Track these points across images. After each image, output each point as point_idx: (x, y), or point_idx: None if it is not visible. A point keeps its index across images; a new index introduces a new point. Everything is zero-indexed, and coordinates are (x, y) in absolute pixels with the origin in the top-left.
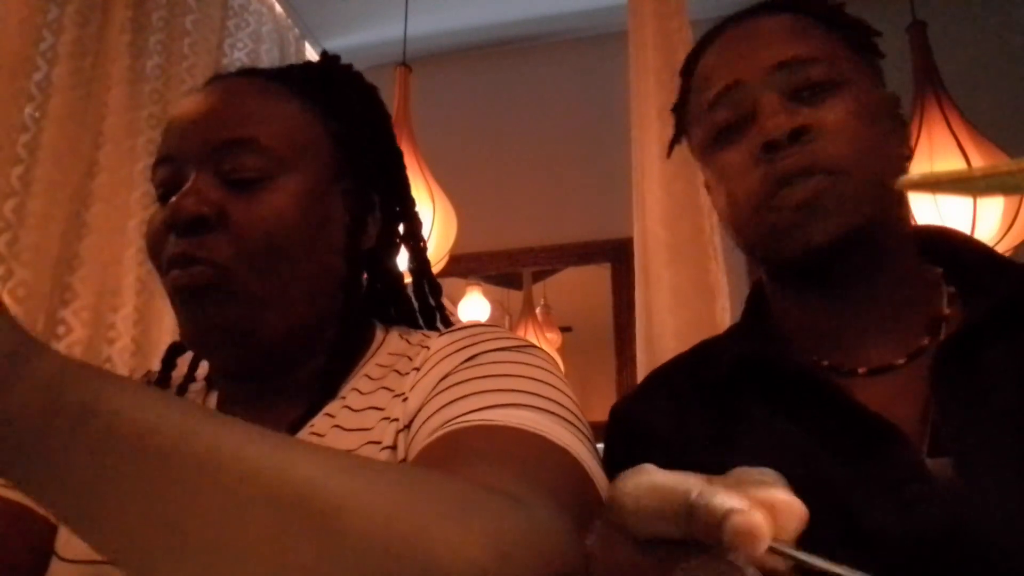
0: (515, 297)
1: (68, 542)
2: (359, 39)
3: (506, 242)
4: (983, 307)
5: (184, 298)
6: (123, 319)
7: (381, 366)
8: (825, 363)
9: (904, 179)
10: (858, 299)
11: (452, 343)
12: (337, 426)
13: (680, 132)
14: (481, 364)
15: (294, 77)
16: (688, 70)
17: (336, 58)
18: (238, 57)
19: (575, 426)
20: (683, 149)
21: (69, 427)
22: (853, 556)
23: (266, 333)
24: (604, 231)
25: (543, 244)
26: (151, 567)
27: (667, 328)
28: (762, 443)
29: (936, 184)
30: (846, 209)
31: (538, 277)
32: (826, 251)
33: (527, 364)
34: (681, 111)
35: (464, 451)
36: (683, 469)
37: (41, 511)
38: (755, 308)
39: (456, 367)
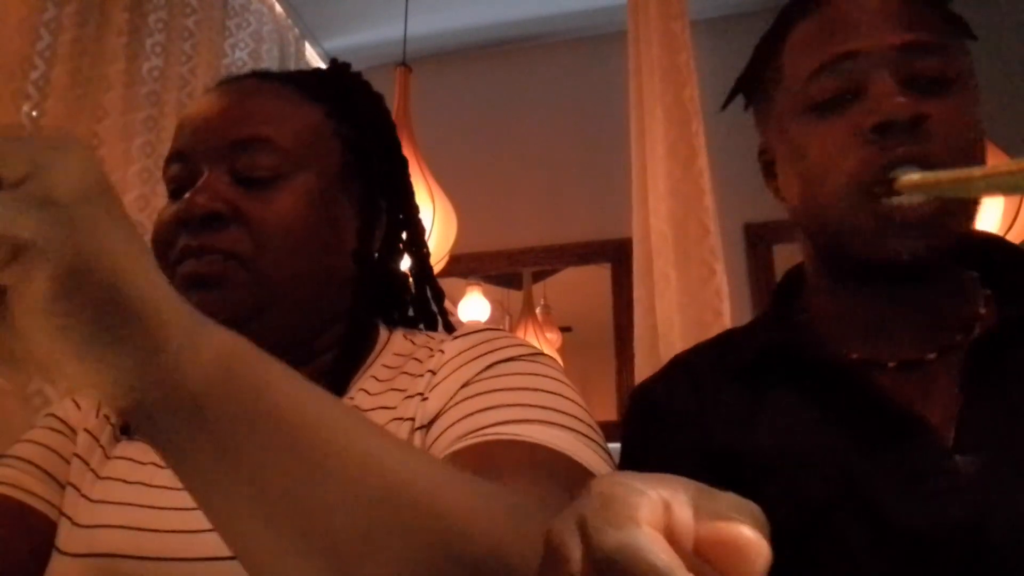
0: (515, 297)
1: (69, 536)
2: (359, 39)
3: (506, 242)
4: (1017, 308)
5: (197, 285)
6: None
7: (388, 367)
8: (854, 355)
9: (904, 179)
10: (903, 298)
11: (469, 348)
12: None
13: (750, 96)
14: (502, 375)
15: (306, 81)
16: (779, 33)
17: (346, 65)
18: (239, 57)
19: (595, 441)
20: (687, 146)
21: (240, 407)
22: (874, 546)
23: (276, 319)
24: (604, 231)
25: (543, 244)
26: (280, 555)
27: (674, 327)
28: (786, 429)
29: (936, 184)
30: (954, 223)
31: (538, 277)
32: (924, 264)
33: (544, 376)
34: (759, 73)
35: (500, 464)
36: (704, 450)
37: (40, 508)
38: (785, 296)
39: (476, 375)
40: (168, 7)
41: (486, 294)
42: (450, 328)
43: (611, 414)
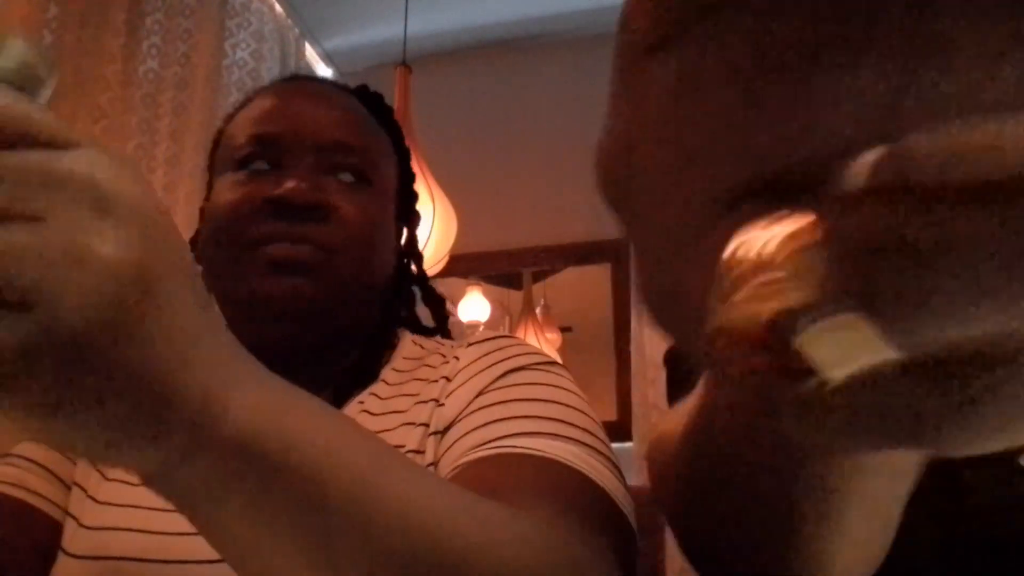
0: (515, 297)
1: (75, 538)
2: (359, 39)
3: (506, 242)
4: None
5: (288, 269)
6: None
7: (398, 371)
8: None
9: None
10: None
11: (484, 356)
12: None
13: None
14: (516, 384)
15: (369, 101)
16: None
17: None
18: (240, 57)
19: (604, 455)
20: None
21: (249, 494)
22: (954, 526)
23: (336, 316)
24: (604, 231)
25: (543, 244)
26: None
27: None
28: None
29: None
30: None
31: (538, 277)
32: None
33: (557, 387)
34: None
35: (511, 478)
36: None
37: (44, 509)
38: None
39: (491, 383)
40: (165, 8)
41: (486, 294)
42: (446, 333)
43: (611, 414)
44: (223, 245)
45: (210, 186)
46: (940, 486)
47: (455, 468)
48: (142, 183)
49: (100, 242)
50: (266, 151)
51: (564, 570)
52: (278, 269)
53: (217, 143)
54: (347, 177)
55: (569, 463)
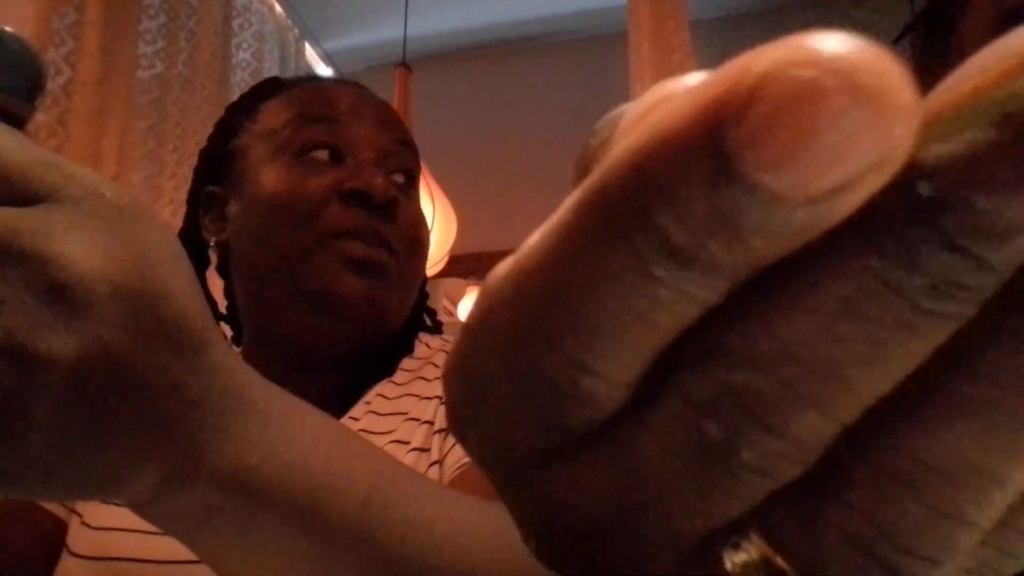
0: None
1: (79, 538)
2: (359, 39)
3: (506, 242)
4: None
5: (367, 271)
6: None
7: (406, 371)
8: None
9: None
10: None
11: None
12: (363, 429)
13: (936, 19)
14: None
15: None
16: None
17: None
18: (243, 57)
19: None
20: None
21: (239, 524)
22: None
23: (398, 318)
24: None
25: None
26: None
27: None
28: None
29: None
30: None
31: None
32: None
33: None
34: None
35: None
36: None
37: (49, 508)
38: None
39: None
40: (170, 7)
41: None
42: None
43: None
44: (287, 233)
45: (209, 180)
46: None
47: (459, 467)
48: (124, 244)
49: (42, 340)
50: (328, 140)
51: None
52: (355, 268)
53: (235, 131)
54: (400, 178)
55: None
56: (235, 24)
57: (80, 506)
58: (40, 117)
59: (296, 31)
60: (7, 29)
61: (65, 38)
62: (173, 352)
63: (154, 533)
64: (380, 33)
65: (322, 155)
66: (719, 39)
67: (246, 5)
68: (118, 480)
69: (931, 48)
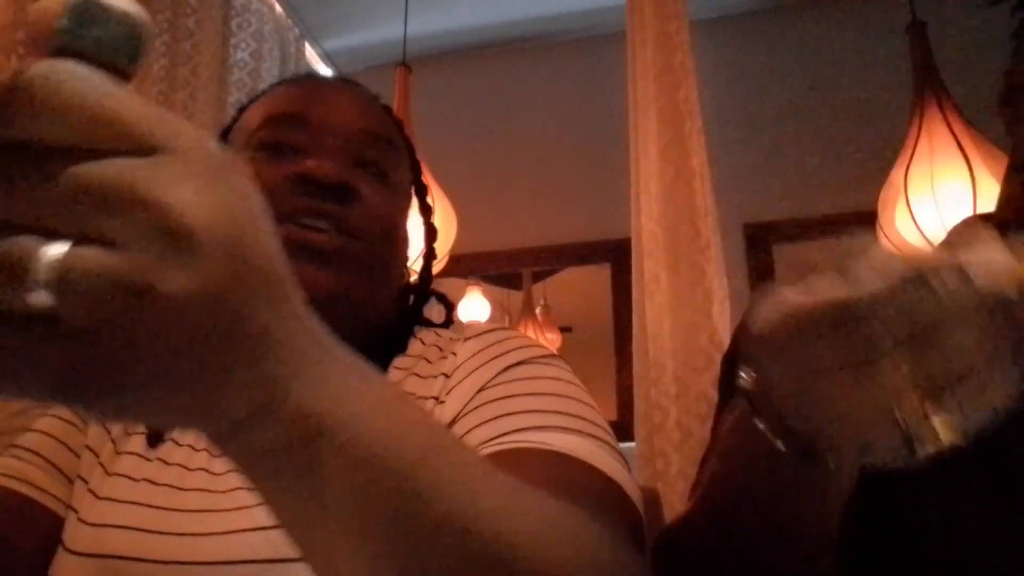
0: (515, 297)
1: (75, 535)
2: (359, 39)
3: (506, 242)
4: None
5: (312, 256)
6: None
7: (400, 369)
8: None
9: None
10: None
11: (482, 350)
12: None
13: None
14: (517, 379)
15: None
16: None
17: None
18: (241, 57)
19: (609, 444)
20: (680, 148)
21: (302, 469)
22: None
23: (351, 307)
24: (604, 231)
25: (543, 244)
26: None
27: (663, 328)
28: None
29: None
30: None
31: (538, 277)
32: None
33: (557, 379)
34: None
35: (522, 473)
36: None
37: (46, 503)
38: None
39: (492, 379)
40: (172, 7)
41: (486, 294)
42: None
43: (611, 414)
44: None
45: None
46: (988, 460)
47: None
48: (227, 194)
49: (164, 280)
50: (289, 133)
51: (610, 567)
52: (305, 257)
53: (225, 135)
54: (377, 169)
55: (579, 456)
56: (234, 24)
57: (77, 502)
58: None
59: (296, 31)
60: None
61: None
62: (263, 297)
63: (153, 532)
64: (380, 33)
65: (285, 150)
66: (719, 39)
67: (245, 5)
68: (206, 412)
69: None
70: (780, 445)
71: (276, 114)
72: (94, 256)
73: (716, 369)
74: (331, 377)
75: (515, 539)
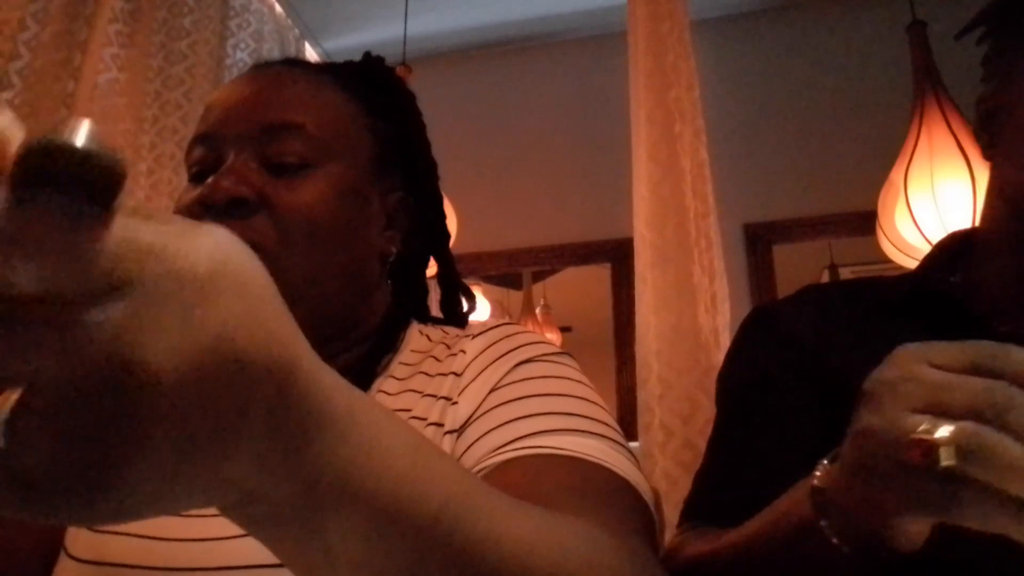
0: (515, 297)
1: (77, 540)
2: (359, 39)
3: (506, 242)
4: None
5: None
6: None
7: (406, 364)
8: (1003, 329)
9: None
10: None
11: (490, 347)
12: None
13: (997, 28)
14: (528, 378)
15: (340, 71)
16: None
17: (380, 59)
18: (240, 57)
19: (621, 444)
20: (668, 148)
21: (377, 500)
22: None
23: (298, 317)
24: (604, 231)
25: (543, 244)
26: None
27: (650, 329)
28: None
29: None
30: None
31: (538, 277)
32: None
33: (567, 379)
34: (1019, 7)
35: (548, 482)
36: (819, 372)
37: None
38: (945, 256)
39: (503, 377)
40: (167, 6)
41: (486, 294)
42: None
43: (611, 414)
44: None
45: None
46: None
47: (481, 469)
48: (203, 322)
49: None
50: (201, 156)
51: None
52: None
53: None
54: (292, 160)
55: (594, 459)
56: (233, 24)
57: None
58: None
59: (296, 31)
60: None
61: (29, 23)
62: (266, 384)
63: (153, 538)
64: (380, 33)
65: (203, 175)
66: (719, 39)
67: (245, 5)
68: (218, 491)
69: (993, 39)
70: (844, 548)
71: (193, 139)
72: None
73: (699, 371)
74: (342, 442)
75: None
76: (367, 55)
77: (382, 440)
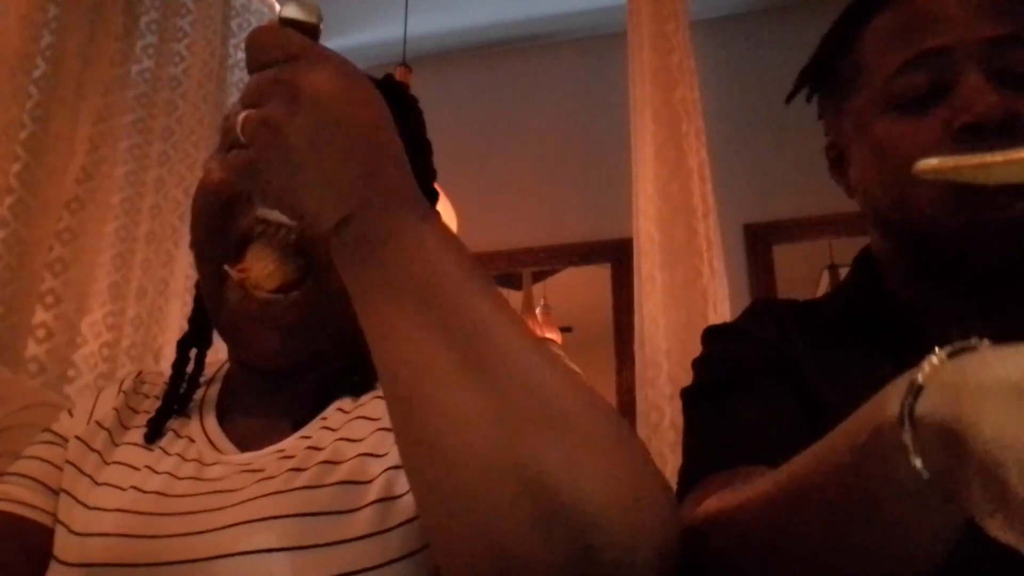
0: (515, 297)
1: (65, 544)
2: (359, 39)
3: (506, 242)
4: None
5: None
6: (91, 325)
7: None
8: (936, 333)
9: (922, 163)
10: (985, 297)
11: None
12: (341, 437)
13: (819, 84)
14: None
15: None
16: (856, 23)
17: (389, 76)
18: (241, 58)
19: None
20: (676, 148)
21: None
22: None
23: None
24: (604, 231)
25: (543, 244)
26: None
27: (659, 328)
28: (858, 386)
29: (955, 169)
30: None
31: (538, 277)
32: (1008, 269)
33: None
34: (831, 64)
35: None
36: (783, 368)
37: (36, 519)
38: (863, 273)
39: None
40: (163, 7)
41: None
42: None
43: None
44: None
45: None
46: None
47: None
48: (336, 73)
49: (290, 124)
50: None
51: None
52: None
53: None
54: None
55: None
56: (233, 24)
57: (65, 515)
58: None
59: None
60: None
61: (44, 33)
62: (376, 148)
63: (137, 536)
64: (380, 33)
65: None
66: (719, 39)
67: (245, 5)
68: (332, 194)
69: (819, 94)
70: (920, 467)
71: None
72: (255, 114)
73: None
74: (428, 225)
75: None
76: (387, 77)
77: (453, 242)
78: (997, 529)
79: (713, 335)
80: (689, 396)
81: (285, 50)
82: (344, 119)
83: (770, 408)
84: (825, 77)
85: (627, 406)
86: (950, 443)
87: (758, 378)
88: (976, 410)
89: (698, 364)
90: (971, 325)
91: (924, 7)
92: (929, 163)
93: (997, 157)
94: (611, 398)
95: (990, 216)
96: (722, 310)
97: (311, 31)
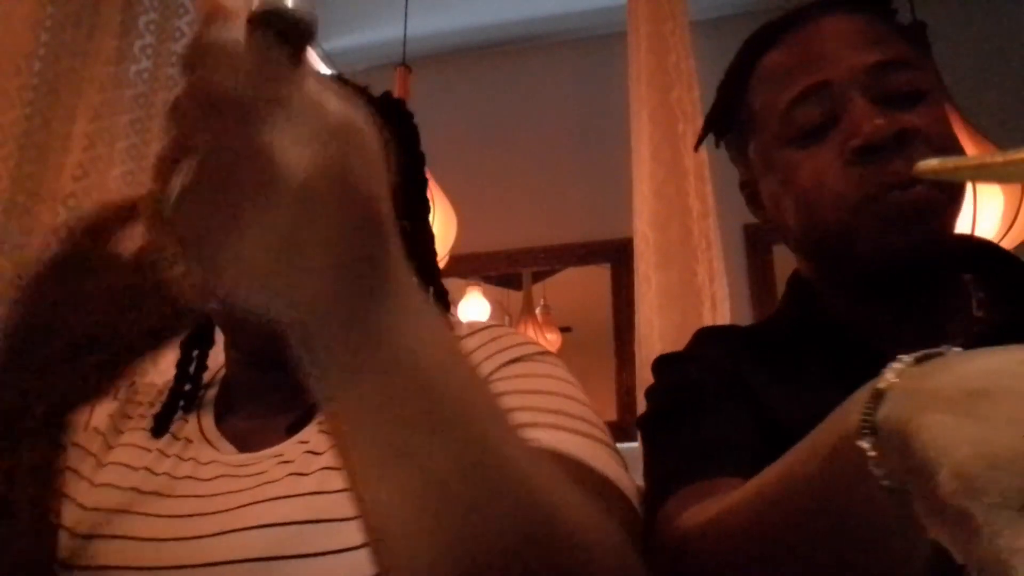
0: (515, 297)
1: (67, 549)
2: (359, 39)
3: (506, 242)
4: (1009, 311)
5: None
6: None
7: None
8: (878, 348)
9: (922, 164)
10: (908, 303)
11: (478, 348)
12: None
13: (722, 130)
14: (517, 376)
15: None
16: (745, 66)
17: (388, 93)
18: None
19: (603, 442)
20: (671, 148)
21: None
22: None
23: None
24: (604, 231)
25: (543, 244)
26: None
27: (654, 329)
28: (813, 406)
29: (954, 170)
30: (946, 219)
31: (538, 277)
32: (923, 258)
33: (551, 377)
34: (729, 109)
35: None
36: (741, 395)
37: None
38: (798, 294)
39: (490, 375)
40: (161, 7)
41: (486, 294)
42: None
43: (611, 414)
44: None
45: None
46: None
47: None
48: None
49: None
50: None
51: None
52: None
53: None
54: None
55: (575, 455)
56: None
57: (67, 519)
58: (16, 112)
59: None
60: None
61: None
62: (373, 233)
63: (138, 539)
64: (380, 33)
65: None
66: (719, 39)
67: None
68: (301, 292)
69: (724, 140)
70: (879, 474)
71: None
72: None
73: None
74: (412, 310)
75: (554, 501)
76: (386, 95)
77: (438, 331)
78: (936, 533)
79: (664, 364)
80: (648, 422)
81: (261, 83)
82: (336, 199)
83: (733, 422)
84: (727, 123)
85: (627, 406)
86: (904, 449)
87: (717, 398)
88: (923, 413)
89: (652, 392)
90: (904, 336)
91: (804, 45)
92: (929, 164)
93: (997, 158)
94: (611, 398)
95: (891, 201)
96: (722, 310)
97: (300, 34)
